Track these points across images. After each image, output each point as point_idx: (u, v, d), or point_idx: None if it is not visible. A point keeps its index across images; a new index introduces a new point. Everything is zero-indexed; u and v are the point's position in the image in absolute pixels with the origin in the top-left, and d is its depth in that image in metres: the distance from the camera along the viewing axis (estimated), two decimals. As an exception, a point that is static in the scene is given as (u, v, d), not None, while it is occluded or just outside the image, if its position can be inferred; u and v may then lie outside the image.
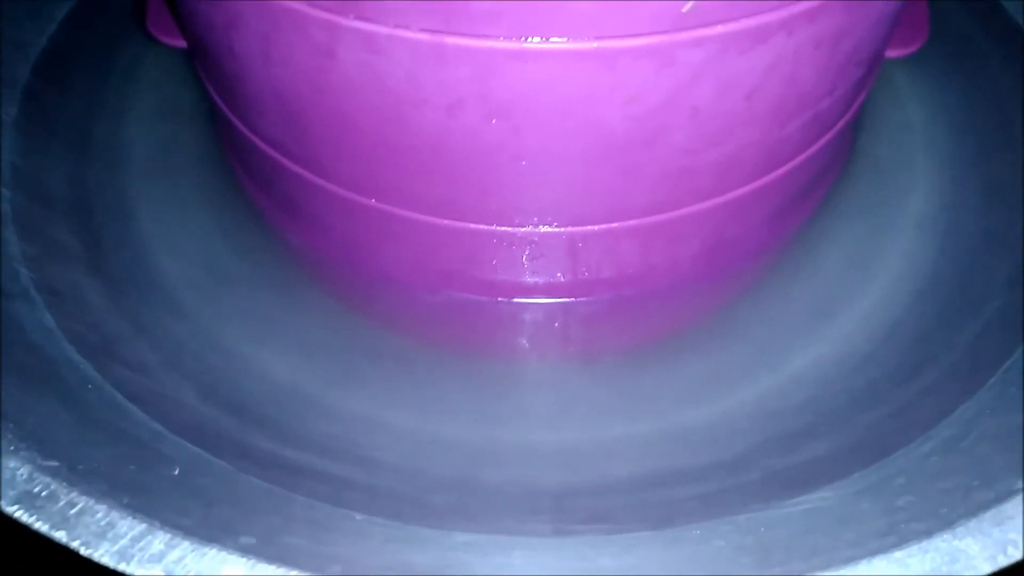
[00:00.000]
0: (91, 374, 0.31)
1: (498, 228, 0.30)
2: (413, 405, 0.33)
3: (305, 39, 0.24)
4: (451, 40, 0.23)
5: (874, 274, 0.36)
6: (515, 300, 0.33)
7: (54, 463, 0.24)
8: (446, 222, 0.30)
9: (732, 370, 0.34)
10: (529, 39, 0.23)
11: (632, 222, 0.30)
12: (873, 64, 0.31)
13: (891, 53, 0.34)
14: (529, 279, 0.32)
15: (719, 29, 0.23)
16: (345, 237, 0.34)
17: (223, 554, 0.23)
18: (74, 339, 0.33)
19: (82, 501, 0.23)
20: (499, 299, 0.33)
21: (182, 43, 0.36)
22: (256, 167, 0.35)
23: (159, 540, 0.23)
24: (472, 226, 0.30)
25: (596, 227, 0.30)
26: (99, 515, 0.23)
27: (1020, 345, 0.31)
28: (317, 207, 0.32)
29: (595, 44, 0.23)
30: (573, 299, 0.34)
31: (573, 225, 0.29)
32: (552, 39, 0.22)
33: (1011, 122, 0.40)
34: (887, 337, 0.34)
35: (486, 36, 0.23)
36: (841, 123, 0.32)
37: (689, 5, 0.22)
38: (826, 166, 0.35)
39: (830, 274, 0.37)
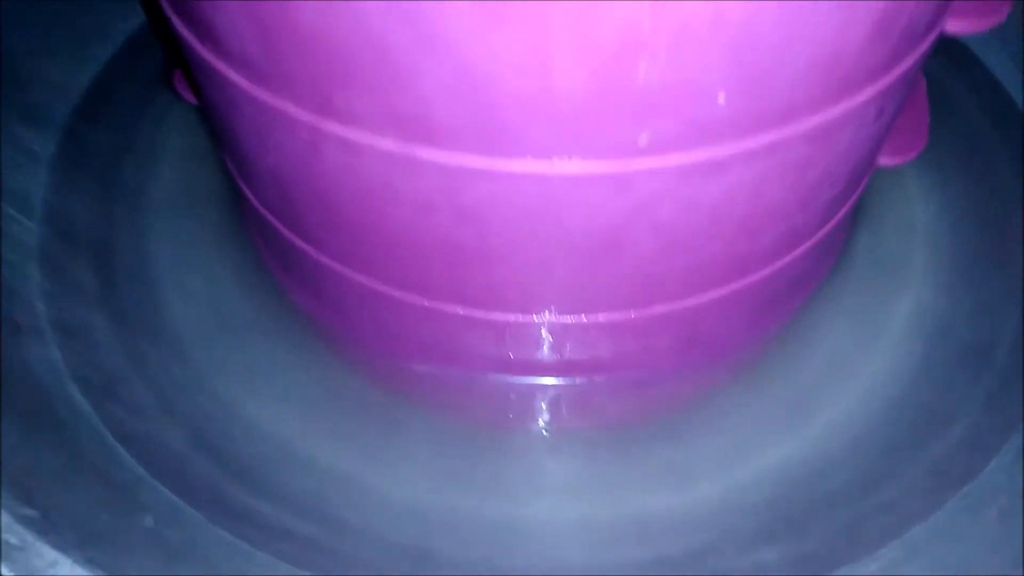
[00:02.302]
0: (87, 413, 0.33)
1: (472, 312, 0.31)
2: (386, 465, 0.35)
3: (292, 133, 0.26)
4: (422, 151, 0.24)
5: (853, 378, 0.36)
6: (490, 375, 0.35)
7: (32, 512, 0.26)
8: (423, 301, 0.31)
9: (699, 461, 0.35)
10: (494, 157, 0.24)
11: (601, 316, 0.31)
12: (856, 179, 0.32)
13: (885, 161, 0.35)
14: (504, 358, 0.33)
15: (675, 159, 0.24)
16: (335, 303, 0.35)
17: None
18: (77, 377, 0.35)
19: (50, 554, 0.25)
20: (477, 373, 0.35)
21: (203, 102, 0.38)
22: (257, 224, 0.37)
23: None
24: (447, 308, 0.31)
25: (566, 318, 0.31)
26: (63, 568, 0.24)
27: (984, 468, 0.31)
28: (309, 272, 0.34)
29: (556, 165, 0.24)
30: (546, 378, 0.35)
31: (542, 314, 0.31)
32: (515, 159, 0.24)
33: (1011, 233, 0.40)
34: (856, 445, 0.34)
35: (454, 150, 0.24)
36: (821, 233, 0.33)
37: (645, 137, 0.23)
38: (808, 270, 0.36)
39: (809, 374, 0.37)
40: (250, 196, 0.34)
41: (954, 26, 0.28)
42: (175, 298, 0.40)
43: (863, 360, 0.37)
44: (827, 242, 0.34)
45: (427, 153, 0.24)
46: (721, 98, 0.22)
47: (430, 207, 0.26)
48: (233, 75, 0.26)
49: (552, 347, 0.32)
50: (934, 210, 0.43)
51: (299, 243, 0.33)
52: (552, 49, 0.20)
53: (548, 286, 0.29)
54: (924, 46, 0.27)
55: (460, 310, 0.31)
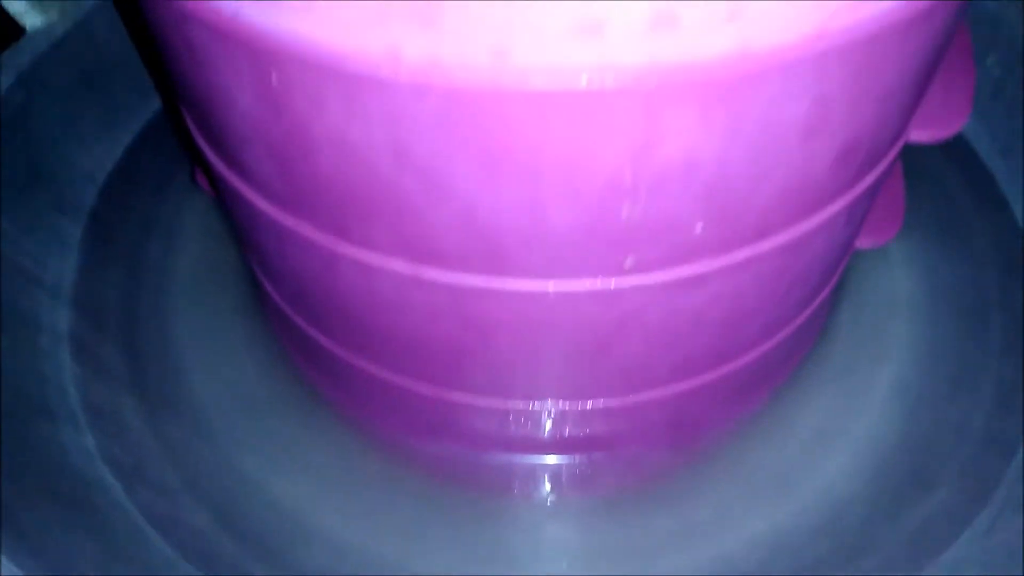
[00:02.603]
0: (119, 497, 0.36)
1: (476, 400, 0.33)
2: (396, 535, 0.37)
3: (310, 250, 0.29)
4: (429, 272, 0.27)
5: (836, 447, 0.39)
6: (495, 453, 0.37)
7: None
8: (430, 390, 0.33)
9: (693, 529, 0.37)
10: (495, 277, 0.26)
11: (596, 402, 0.33)
12: (831, 272, 0.34)
13: (861, 244, 0.37)
14: (506, 438, 0.36)
15: (658, 276, 0.26)
16: (347, 386, 0.38)
17: None
18: (109, 460, 0.37)
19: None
20: (482, 452, 0.37)
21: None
22: (274, 311, 0.39)
23: None
24: (453, 396, 0.33)
25: (564, 404, 0.33)
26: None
27: (955, 539, 0.33)
28: (323, 358, 0.37)
29: (551, 284, 0.26)
30: (547, 456, 0.37)
31: (542, 402, 0.33)
32: (514, 279, 0.26)
33: (989, 306, 0.43)
34: (840, 514, 0.36)
35: (459, 271, 0.26)
36: (800, 319, 0.35)
37: (630, 260, 0.26)
38: (790, 350, 0.38)
39: (795, 443, 0.39)
40: (268, 288, 0.37)
41: (918, 136, 0.31)
42: (199, 377, 0.42)
43: (846, 430, 0.39)
44: (807, 324, 0.37)
45: (434, 274, 0.27)
46: (698, 228, 0.25)
47: (437, 316, 0.29)
48: (254, 196, 0.29)
49: (552, 429, 0.35)
50: (914, 280, 0.45)
51: (314, 333, 0.35)
52: (545, 196, 0.23)
53: (547, 379, 0.32)
54: (890, 158, 0.29)
55: (465, 398, 0.33)
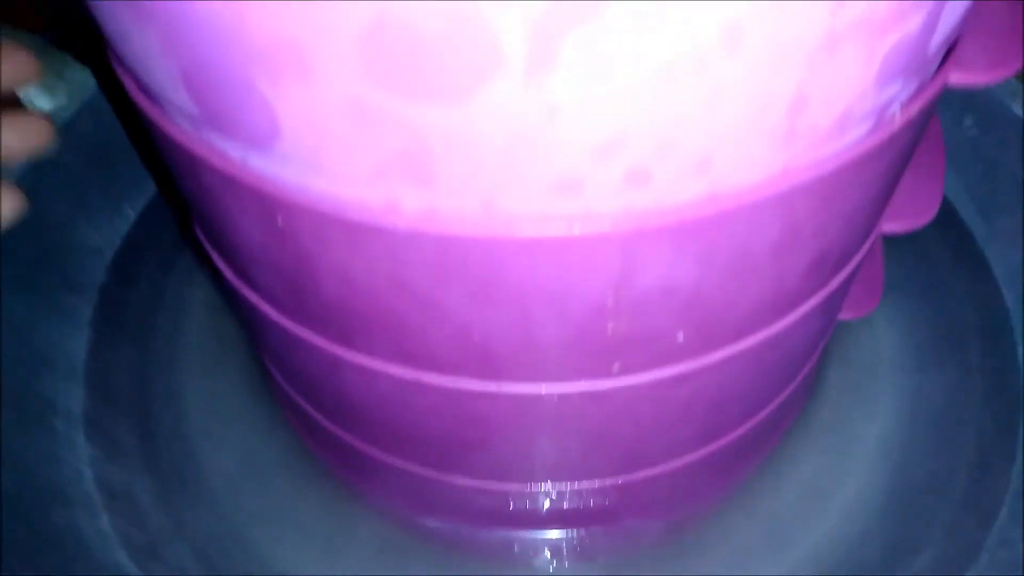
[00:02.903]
0: (135, 578, 0.37)
1: (476, 483, 0.35)
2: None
3: (314, 351, 0.30)
4: (427, 377, 0.28)
5: (825, 508, 0.40)
6: (495, 529, 0.38)
7: None
8: (432, 474, 0.35)
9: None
10: (490, 382, 0.28)
11: (591, 483, 0.35)
12: (812, 351, 0.36)
13: (843, 316, 0.39)
14: (506, 516, 0.37)
15: (645, 377, 0.28)
16: (351, 464, 0.39)
17: None
18: (125, 541, 0.39)
19: None
20: (482, 528, 0.38)
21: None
22: (280, 392, 0.41)
23: None
24: (454, 479, 0.35)
25: (561, 485, 0.35)
26: None
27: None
28: (328, 438, 0.38)
29: (543, 387, 0.28)
30: (546, 531, 0.38)
31: (539, 484, 0.34)
32: (508, 383, 0.28)
33: (969, 363, 0.44)
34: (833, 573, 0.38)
35: (455, 376, 0.28)
36: (785, 394, 0.36)
37: (617, 366, 0.27)
38: (778, 420, 0.39)
39: (785, 505, 0.41)
40: (274, 372, 0.38)
41: (891, 228, 0.32)
42: (209, 453, 0.44)
43: (834, 491, 0.41)
44: (793, 396, 0.38)
45: (432, 378, 0.28)
46: (679, 337, 0.26)
47: (436, 414, 0.30)
48: (260, 303, 0.31)
49: (549, 507, 0.36)
50: (897, 337, 0.47)
51: (317, 417, 0.37)
52: (534, 320, 0.24)
53: (542, 465, 0.33)
54: (862, 254, 0.31)
55: (465, 481, 0.35)
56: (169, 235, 0.53)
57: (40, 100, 0.50)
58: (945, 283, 0.48)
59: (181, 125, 0.24)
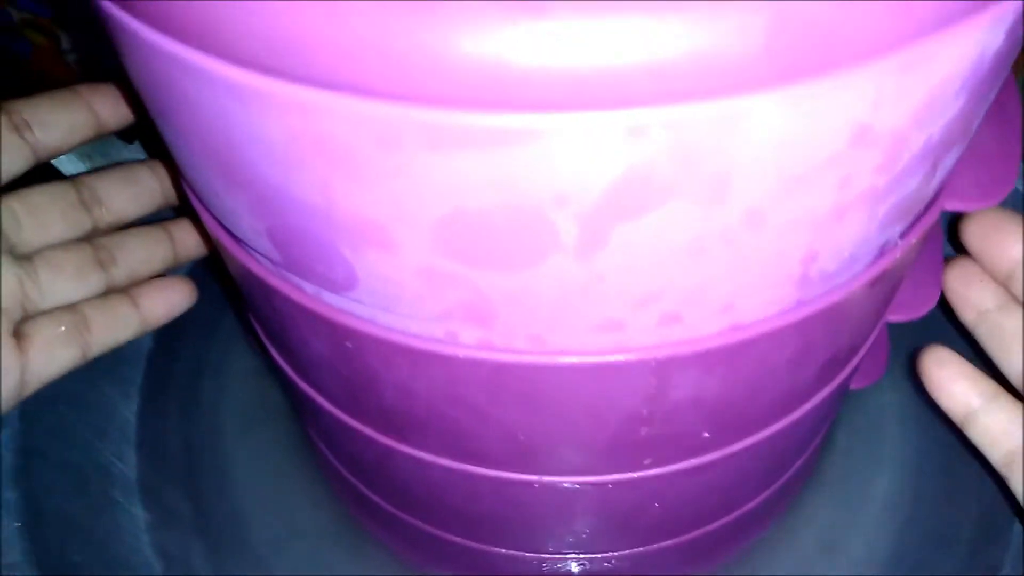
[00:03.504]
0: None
1: (511, 552, 0.38)
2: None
3: (369, 442, 0.33)
4: (475, 468, 0.31)
5: (837, 560, 0.43)
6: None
7: None
8: (469, 543, 0.38)
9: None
10: (533, 475, 0.31)
11: (620, 552, 0.37)
12: (822, 427, 0.38)
13: (853, 386, 0.41)
14: (542, 580, 0.40)
15: (673, 468, 0.31)
16: (395, 533, 0.42)
17: None
18: (183, 605, 0.41)
19: None
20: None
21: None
22: (325, 463, 0.43)
23: None
24: (489, 548, 0.38)
25: (589, 555, 0.37)
26: None
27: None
28: (372, 508, 0.41)
29: (579, 479, 0.31)
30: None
31: (570, 552, 0.37)
32: (549, 476, 0.31)
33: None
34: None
35: (501, 470, 0.31)
36: (800, 462, 0.39)
37: (648, 460, 0.30)
38: (792, 485, 0.42)
39: (800, 556, 0.43)
40: (321, 447, 0.41)
41: (895, 318, 0.35)
42: (256, 516, 0.47)
43: (844, 546, 0.44)
44: (806, 462, 0.41)
45: (479, 470, 0.31)
46: (705, 434, 0.29)
47: (480, 498, 0.33)
48: (317, 396, 0.33)
49: (579, 571, 0.39)
50: (901, 392, 0.49)
51: (364, 489, 0.40)
52: (574, 427, 0.27)
53: (575, 540, 0.36)
54: (870, 344, 0.34)
55: (503, 551, 0.38)
56: (211, 299, 0.56)
57: (74, 168, 0.53)
58: (944, 339, 0.50)
59: (258, 260, 0.27)
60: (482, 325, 0.23)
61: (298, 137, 0.19)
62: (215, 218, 0.27)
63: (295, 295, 0.26)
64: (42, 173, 0.38)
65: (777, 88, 0.17)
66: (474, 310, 0.23)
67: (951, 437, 0.46)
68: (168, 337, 0.53)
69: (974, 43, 0.19)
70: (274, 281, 0.26)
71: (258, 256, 0.26)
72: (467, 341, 0.24)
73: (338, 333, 0.26)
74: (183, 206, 0.39)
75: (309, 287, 0.25)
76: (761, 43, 0.16)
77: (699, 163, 0.18)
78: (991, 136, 0.29)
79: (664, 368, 0.25)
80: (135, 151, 0.54)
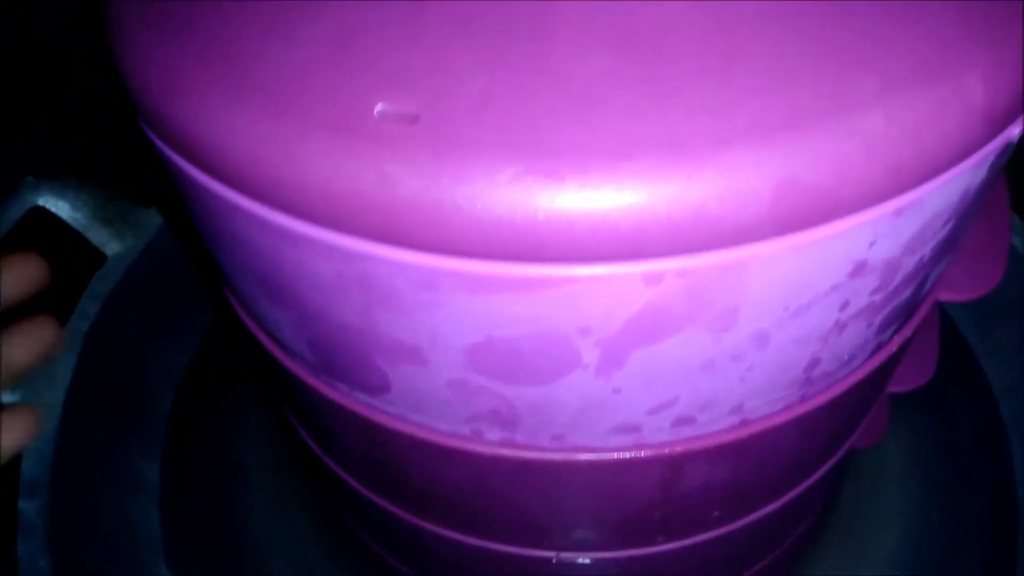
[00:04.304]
0: None
1: None
2: None
3: (395, 516, 0.35)
4: (495, 546, 0.33)
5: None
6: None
7: None
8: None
9: None
10: (548, 551, 0.32)
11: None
12: (831, 486, 0.40)
13: (856, 446, 0.43)
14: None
15: (682, 543, 0.32)
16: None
17: None
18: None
19: None
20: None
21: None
22: (346, 530, 0.45)
23: None
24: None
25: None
26: None
27: None
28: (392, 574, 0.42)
29: (595, 555, 0.32)
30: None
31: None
32: (564, 552, 0.32)
33: (971, 477, 0.48)
34: None
35: (519, 547, 0.32)
36: (805, 524, 0.41)
37: (661, 538, 0.31)
38: (786, 555, 0.43)
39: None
40: (345, 513, 0.43)
41: (895, 388, 0.37)
42: (278, 572, 0.48)
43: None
44: (812, 524, 0.42)
45: (501, 547, 0.32)
46: (716, 513, 0.31)
47: (500, 570, 0.34)
48: (342, 472, 0.35)
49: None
50: (903, 449, 0.51)
51: (386, 557, 0.41)
52: (592, 512, 0.29)
53: None
54: (871, 413, 0.35)
55: None
56: (230, 364, 0.57)
57: (111, 245, 0.55)
58: (945, 397, 0.52)
59: (294, 359, 0.28)
60: (507, 427, 0.25)
61: (343, 274, 0.20)
62: (254, 319, 0.29)
63: (329, 392, 0.28)
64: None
65: (780, 239, 0.18)
66: (500, 415, 0.24)
67: (950, 497, 0.47)
68: (189, 398, 0.55)
69: (960, 184, 0.20)
70: (310, 380, 0.28)
71: (295, 357, 0.28)
72: (492, 439, 0.26)
73: (369, 428, 0.28)
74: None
75: (343, 387, 0.27)
76: (766, 206, 0.17)
77: (709, 301, 0.20)
78: (982, 230, 0.31)
79: (677, 462, 0.26)
80: (153, 215, 0.56)
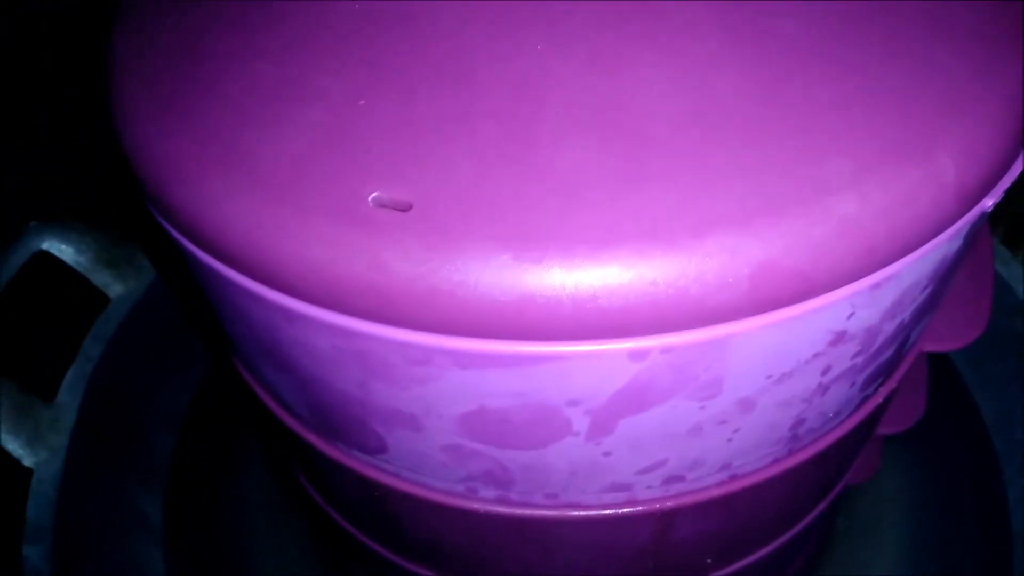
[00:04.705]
0: None
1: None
2: None
3: (397, 567, 0.35)
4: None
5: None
6: None
7: None
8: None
9: None
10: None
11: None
12: (825, 524, 0.40)
13: (849, 481, 0.43)
14: None
15: None
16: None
17: None
18: None
19: None
20: None
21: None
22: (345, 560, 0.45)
23: None
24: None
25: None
26: None
27: None
28: None
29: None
30: None
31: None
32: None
33: (964, 504, 0.49)
34: None
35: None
36: (801, 559, 0.41)
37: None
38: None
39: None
40: (343, 554, 0.43)
41: (884, 430, 0.37)
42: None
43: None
44: (808, 558, 0.43)
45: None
46: (708, 560, 0.31)
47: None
48: (343, 521, 0.36)
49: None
50: (898, 479, 0.52)
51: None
52: (586, 562, 0.29)
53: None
54: (860, 456, 0.36)
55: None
56: (232, 402, 0.58)
57: (114, 288, 0.56)
58: (938, 430, 0.53)
59: (294, 417, 0.29)
60: (501, 486, 0.26)
61: (341, 349, 0.21)
62: (256, 379, 0.30)
63: (327, 449, 0.28)
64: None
65: (759, 317, 0.19)
66: (494, 475, 0.25)
67: (947, 524, 0.48)
68: (190, 438, 0.56)
69: (936, 255, 0.21)
70: (309, 436, 0.29)
71: (295, 416, 0.29)
72: (487, 496, 0.26)
73: (367, 483, 0.28)
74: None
75: (341, 445, 0.28)
76: (745, 288, 0.18)
77: (694, 374, 0.20)
78: (965, 279, 0.31)
79: (668, 516, 0.27)
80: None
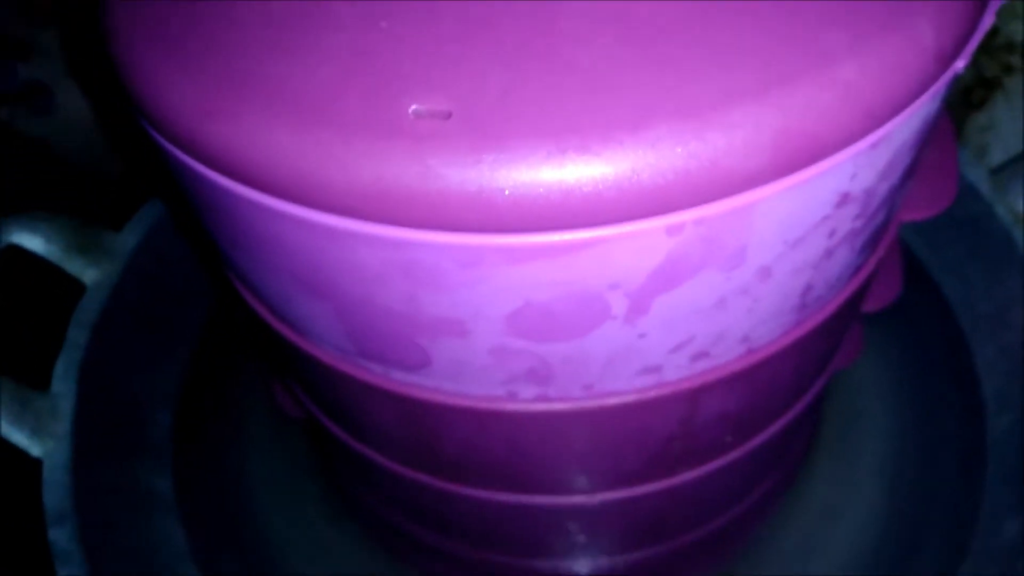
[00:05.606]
0: None
1: (557, 563, 0.42)
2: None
3: (427, 488, 0.37)
4: (533, 499, 0.35)
5: (840, 526, 0.48)
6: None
7: None
8: (514, 561, 0.42)
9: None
10: (587, 495, 0.35)
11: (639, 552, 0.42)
12: (821, 401, 0.43)
13: (837, 367, 0.46)
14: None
15: (700, 471, 0.35)
16: (445, 564, 0.46)
17: None
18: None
19: None
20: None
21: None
22: (366, 508, 0.47)
23: None
24: (536, 564, 0.42)
25: (622, 554, 0.42)
26: None
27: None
28: (418, 550, 0.45)
29: (626, 492, 0.35)
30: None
31: (604, 554, 0.42)
32: (599, 493, 0.35)
33: (943, 387, 0.53)
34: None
35: (556, 495, 0.35)
36: (792, 454, 0.44)
37: (679, 468, 0.34)
38: (788, 473, 0.47)
39: (808, 523, 0.48)
40: (366, 498, 0.45)
41: (870, 306, 0.40)
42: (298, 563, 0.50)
43: (846, 509, 0.49)
44: (807, 440, 0.46)
45: (535, 499, 0.35)
46: (728, 438, 0.34)
47: (534, 522, 0.37)
48: (374, 454, 0.37)
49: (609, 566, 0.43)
50: (874, 366, 0.55)
51: (416, 532, 0.43)
52: (620, 453, 0.31)
53: (607, 539, 0.40)
54: (853, 331, 0.39)
55: (546, 564, 0.42)
56: (225, 375, 0.59)
57: (89, 272, 0.55)
58: (908, 312, 0.56)
59: (323, 348, 0.30)
60: (541, 383, 0.27)
61: (389, 263, 0.22)
62: (272, 312, 0.31)
63: (362, 375, 0.30)
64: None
65: (780, 181, 0.21)
66: (535, 373, 0.27)
67: (926, 401, 0.51)
68: (189, 411, 0.56)
69: (920, 115, 0.23)
70: (342, 366, 0.30)
71: (324, 345, 0.30)
72: (526, 396, 0.28)
73: (404, 404, 0.30)
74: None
75: (379, 368, 0.29)
76: (768, 155, 0.20)
77: (722, 244, 0.22)
78: (932, 158, 0.34)
79: (695, 395, 0.29)
80: (125, 239, 0.56)
